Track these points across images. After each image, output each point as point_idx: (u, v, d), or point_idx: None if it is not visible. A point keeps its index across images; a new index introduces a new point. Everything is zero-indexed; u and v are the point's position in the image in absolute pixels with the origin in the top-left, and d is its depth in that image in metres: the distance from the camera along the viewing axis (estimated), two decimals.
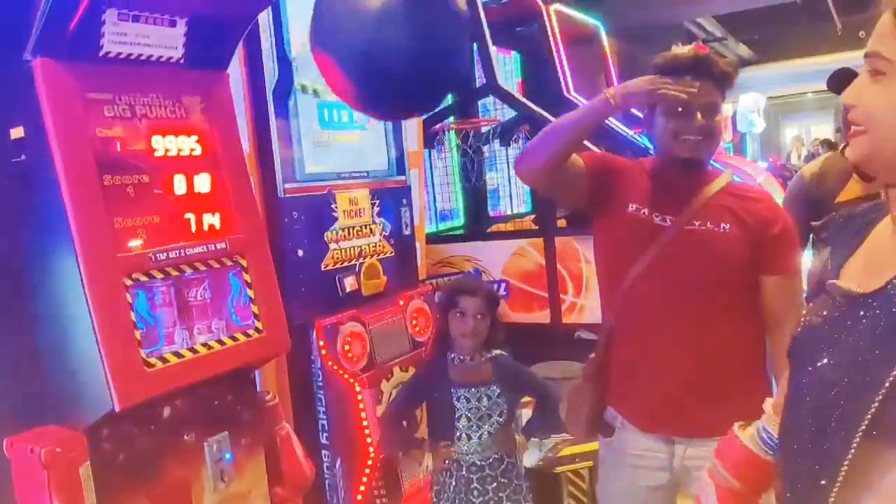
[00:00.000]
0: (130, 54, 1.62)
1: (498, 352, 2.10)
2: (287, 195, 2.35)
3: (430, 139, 3.62)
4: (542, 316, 3.19)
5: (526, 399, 2.25)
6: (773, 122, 13.69)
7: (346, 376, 2.35)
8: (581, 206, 1.73)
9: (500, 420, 2.03)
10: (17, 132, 1.56)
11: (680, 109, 1.53)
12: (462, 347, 2.04)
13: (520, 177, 1.78)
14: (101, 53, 1.56)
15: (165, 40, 1.67)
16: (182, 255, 1.69)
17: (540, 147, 1.62)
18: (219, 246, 1.77)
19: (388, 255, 2.68)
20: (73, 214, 1.49)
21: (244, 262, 1.83)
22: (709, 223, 1.56)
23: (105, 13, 1.52)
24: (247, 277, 1.83)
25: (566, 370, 3.19)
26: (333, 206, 2.49)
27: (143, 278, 1.62)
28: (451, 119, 3.85)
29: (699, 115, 1.53)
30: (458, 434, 2.01)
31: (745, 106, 10.14)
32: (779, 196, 2.81)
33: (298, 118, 2.41)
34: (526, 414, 2.29)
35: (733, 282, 1.56)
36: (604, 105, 1.56)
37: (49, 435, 1.47)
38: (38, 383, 1.59)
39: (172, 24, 1.66)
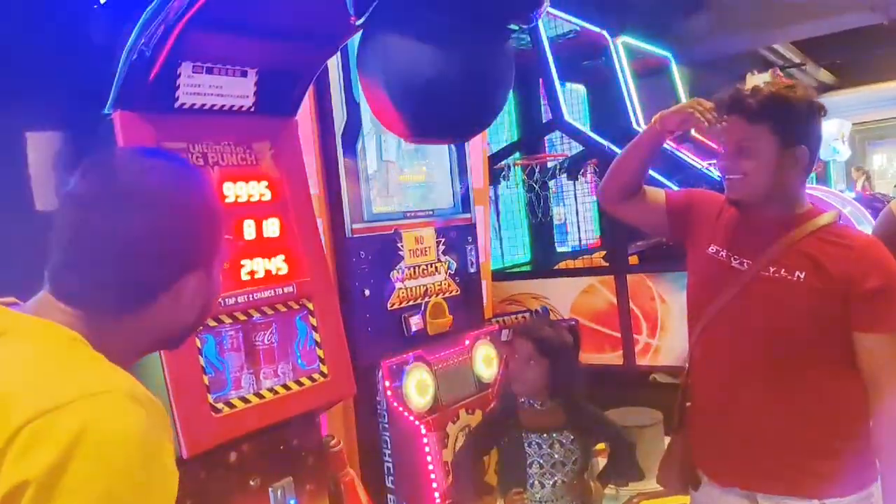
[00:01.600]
0: (204, 104, 1.67)
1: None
2: (355, 235, 2.37)
3: (496, 176, 3.59)
4: (615, 357, 3.06)
5: (599, 447, 2.15)
6: (859, 149, 12.98)
7: (411, 418, 2.31)
8: (668, 240, 1.78)
9: (575, 468, 1.95)
10: None
11: (722, 150, 1.52)
12: (518, 392, 1.97)
13: (601, 205, 1.86)
14: (176, 105, 1.62)
15: (237, 90, 1.71)
16: (250, 299, 1.71)
17: (608, 175, 1.72)
18: (286, 290, 1.79)
19: (453, 293, 2.65)
20: None
21: (311, 306, 1.83)
22: (783, 270, 1.43)
23: (181, 66, 1.58)
24: (313, 321, 1.83)
25: (641, 416, 3.03)
26: (400, 244, 2.49)
27: (212, 323, 1.65)
28: (517, 155, 3.82)
29: (732, 155, 1.47)
30: (530, 481, 1.94)
31: (829, 133, 9.65)
32: (867, 229, 2.62)
33: (366, 159, 2.44)
34: (600, 462, 2.18)
35: (809, 334, 1.42)
36: (650, 128, 1.62)
37: None
38: None
39: (244, 74, 1.71)
